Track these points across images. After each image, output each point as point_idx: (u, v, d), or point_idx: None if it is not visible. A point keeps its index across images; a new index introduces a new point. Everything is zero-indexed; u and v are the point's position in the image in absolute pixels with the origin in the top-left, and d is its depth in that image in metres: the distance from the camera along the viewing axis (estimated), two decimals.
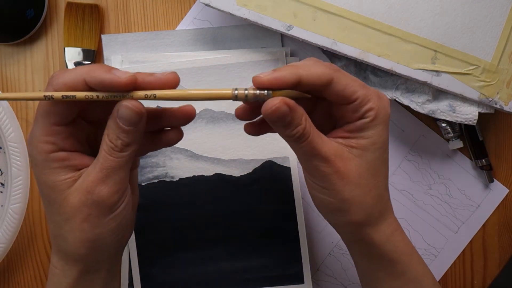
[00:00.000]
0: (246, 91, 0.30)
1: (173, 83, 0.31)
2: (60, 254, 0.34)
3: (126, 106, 0.30)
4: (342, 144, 0.33)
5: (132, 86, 0.30)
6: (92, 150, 0.35)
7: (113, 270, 0.37)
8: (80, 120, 0.33)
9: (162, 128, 0.36)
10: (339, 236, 0.50)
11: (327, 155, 0.32)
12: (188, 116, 0.35)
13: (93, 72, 0.30)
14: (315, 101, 0.36)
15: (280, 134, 0.32)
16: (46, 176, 0.32)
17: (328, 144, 0.32)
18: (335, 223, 0.36)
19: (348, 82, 0.32)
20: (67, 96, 0.30)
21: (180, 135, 0.36)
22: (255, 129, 0.37)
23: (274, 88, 0.31)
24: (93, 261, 0.34)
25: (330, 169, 0.32)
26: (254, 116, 0.36)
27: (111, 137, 0.31)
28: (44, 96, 0.30)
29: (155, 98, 0.30)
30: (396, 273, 0.35)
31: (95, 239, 0.33)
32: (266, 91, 0.30)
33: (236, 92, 0.30)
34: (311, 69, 0.31)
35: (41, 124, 0.31)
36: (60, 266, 0.34)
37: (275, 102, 0.30)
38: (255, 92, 0.30)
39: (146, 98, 0.30)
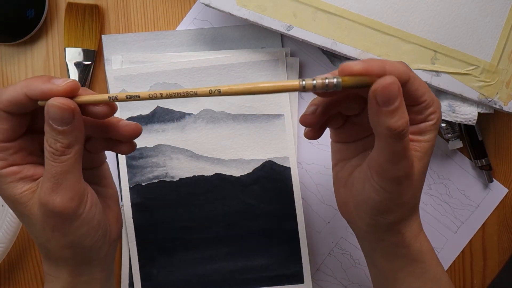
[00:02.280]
0: (314, 81, 0.29)
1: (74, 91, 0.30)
2: (49, 261, 0.34)
3: (52, 105, 0.29)
4: None
5: (73, 92, 0.30)
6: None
7: (108, 269, 0.36)
8: (30, 133, 0.33)
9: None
10: (339, 236, 0.50)
11: (412, 159, 0.31)
12: (133, 135, 0.34)
13: (31, 85, 0.30)
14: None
15: (381, 127, 0.29)
16: (4, 191, 0.32)
17: (410, 147, 0.32)
18: (373, 224, 0.34)
19: (420, 84, 0.32)
20: (131, 96, 0.30)
21: (131, 148, 0.35)
22: (317, 133, 0.37)
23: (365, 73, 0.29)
24: (80, 262, 0.34)
25: (407, 173, 0.31)
26: (320, 121, 0.36)
27: (50, 141, 0.30)
28: (109, 97, 0.30)
29: (219, 93, 0.30)
30: (417, 273, 0.35)
31: (71, 245, 0.32)
32: (335, 79, 0.29)
33: (304, 82, 0.29)
34: (394, 65, 0.30)
35: None
36: (52, 272, 0.34)
37: (389, 79, 0.28)
38: (323, 81, 0.29)
39: (211, 94, 0.30)
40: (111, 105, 0.32)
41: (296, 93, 0.48)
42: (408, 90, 0.31)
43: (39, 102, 0.30)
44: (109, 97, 0.30)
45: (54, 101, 0.29)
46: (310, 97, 0.49)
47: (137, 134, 0.34)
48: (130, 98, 0.30)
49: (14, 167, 0.31)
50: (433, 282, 0.36)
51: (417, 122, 0.33)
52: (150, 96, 0.30)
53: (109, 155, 0.44)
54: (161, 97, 0.30)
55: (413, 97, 0.32)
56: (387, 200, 0.32)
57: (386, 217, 0.33)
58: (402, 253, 0.35)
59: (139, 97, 0.30)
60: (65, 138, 0.30)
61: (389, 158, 0.31)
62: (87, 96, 0.31)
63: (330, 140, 0.39)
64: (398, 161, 0.31)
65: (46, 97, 0.30)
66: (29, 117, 0.32)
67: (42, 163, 0.33)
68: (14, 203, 0.32)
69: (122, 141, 0.35)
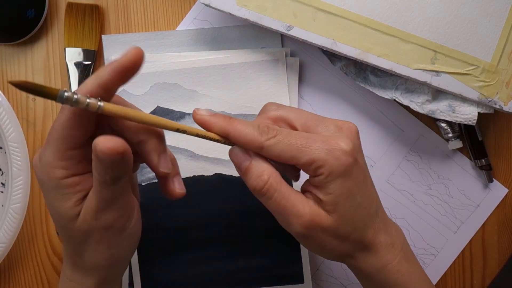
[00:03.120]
0: (76, 96, 0.27)
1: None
2: (76, 268, 0.34)
3: (101, 151, 0.27)
4: (313, 199, 0.33)
5: (140, 58, 0.29)
6: None
7: (121, 280, 0.38)
8: (91, 140, 0.31)
9: None
10: None
11: (301, 214, 0.32)
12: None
13: (101, 72, 0.29)
14: None
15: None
16: (57, 202, 0.31)
17: (301, 203, 0.32)
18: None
19: (283, 148, 0.31)
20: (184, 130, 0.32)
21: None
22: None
23: (204, 128, 0.32)
24: (110, 273, 0.35)
25: (306, 228, 0.32)
26: None
27: (99, 171, 0.29)
28: (177, 129, 0.32)
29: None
30: None
31: (111, 257, 0.33)
32: (99, 102, 0.28)
33: (66, 94, 0.27)
34: (242, 131, 0.32)
35: (55, 148, 0.29)
36: (76, 279, 0.34)
37: (236, 151, 0.33)
38: (85, 99, 0.28)
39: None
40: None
41: (296, 93, 0.48)
42: (271, 156, 0.32)
43: (59, 92, 0.27)
44: (177, 129, 0.31)
45: (104, 147, 0.27)
46: (311, 97, 0.49)
47: (174, 196, 0.35)
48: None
49: (76, 177, 0.30)
50: None
51: (311, 176, 0.32)
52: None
53: None
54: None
55: (282, 160, 0.32)
56: (310, 247, 0.36)
57: (323, 255, 0.36)
58: (372, 282, 0.36)
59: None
60: (114, 172, 0.29)
61: (277, 218, 0.35)
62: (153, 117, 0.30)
63: None
64: (285, 218, 0.33)
65: (116, 74, 0.29)
66: (94, 125, 0.31)
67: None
68: (60, 216, 0.31)
69: None
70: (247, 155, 0.32)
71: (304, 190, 0.34)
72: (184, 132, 0.31)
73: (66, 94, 0.27)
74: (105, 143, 0.27)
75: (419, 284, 0.36)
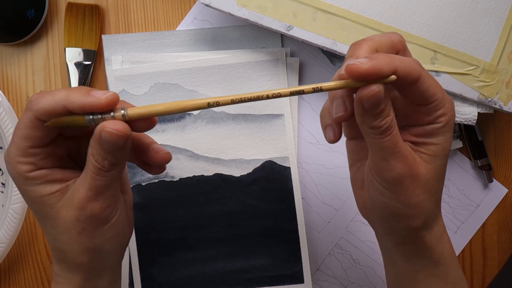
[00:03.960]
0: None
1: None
2: (62, 264, 0.34)
3: (109, 132, 0.29)
4: (411, 149, 0.32)
5: (112, 106, 0.29)
6: (75, 162, 0.34)
7: (115, 275, 0.37)
8: (58, 138, 0.32)
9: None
10: (339, 236, 0.50)
11: (406, 155, 0.31)
12: (162, 163, 0.34)
13: (71, 97, 0.29)
14: None
15: (365, 126, 0.30)
16: (32, 192, 0.31)
17: (405, 145, 0.31)
18: (390, 227, 0.34)
19: (431, 83, 0.30)
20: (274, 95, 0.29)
21: (160, 171, 0.35)
22: (339, 132, 0.34)
23: (370, 79, 0.28)
24: (95, 268, 0.34)
25: (406, 172, 0.31)
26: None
27: (97, 158, 0.30)
28: (208, 103, 0.29)
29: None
30: (438, 276, 0.35)
31: (94, 248, 0.33)
32: (122, 111, 0.29)
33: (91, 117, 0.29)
34: (405, 62, 0.29)
35: (19, 146, 0.30)
36: (63, 275, 0.34)
37: (374, 87, 0.28)
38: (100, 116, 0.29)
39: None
40: (152, 119, 0.32)
41: None
42: (418, 89, 0.30)
43: (86, 119, 0.29)
44: (208, 103, 0.29)
45: (112, 128, 0.29)
46: (311, 96, 0.49)
47: (166, 162, 0.34)
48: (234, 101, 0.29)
49: (43, 170, 0.31)
50: (453, 286, 0.35)
51: (424, 123, 0.32)
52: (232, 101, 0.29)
53: None
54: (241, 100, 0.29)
55: (423, 96, 0.31)
56: (394, 201, 0.32)
57: (401, 222, 0.33)
58: (423, 255, 0.34)
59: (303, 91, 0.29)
60: (114, 158, 0.30)
61: (380, 155, 0.31)
62: (152, 107, 0.30)
63: (345, 138, 0.37)
64: (389, 158, 0.30)
65: (86, 110, 0.29)
66: (59, 128, 0.32)
67: (69, 167, 0.33)
68: (40, 204, 0.32)
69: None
70: (384, 96, 0.29)
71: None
72: (217, 104, 0.30)
73: (92, 117, 0.29)
74: (113, 126, 0.29)
75: (456, 258, 0.36)
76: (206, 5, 0.43)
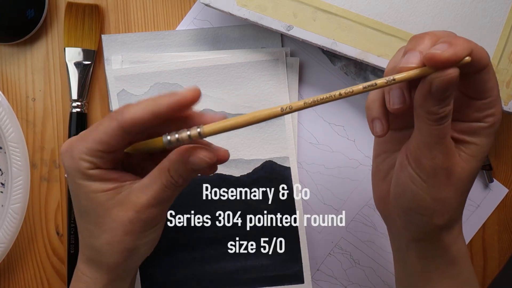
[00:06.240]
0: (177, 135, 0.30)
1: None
2: (91, 263, 0.35)
3: (201, 159, 0.31)
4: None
5: (197, 98, 0.30)
6: (125, 167, 0.35)
7: (134, 277, 0.39)
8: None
9: None
10: (339, 236, 0.50)
11: (450, 148, 0.30)
12: (222, 160, 0.34)
13: (158, 101, 0.30)
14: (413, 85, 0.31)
15: (422, 109, 0.29)
16: (86, 187, 0.32)
17: (451, 139, 0.31)
18: (411, 220, 0.33)
19: (491, 77, 0.30)
20: (368, 86, 0.28)
21: (214, 171, 0.36)
22: (387, 124, 0.33)
23: (451, 65, 0.27)
24: (125, 269, 0.35)
25: (444, 164, 0.30)
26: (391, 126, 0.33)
27: (174, 174, 0.32)
28: (281, 109, 0.29)
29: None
30: (452, 276, 0.34)
31: (133, 249, 0.34)
32: (198, 129, 0.29)
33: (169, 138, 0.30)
34: (478, 49, 0.29)
35: (90, 146, 0.32)
36: (90, 274, 0.35)
37: (451, 71, 0.27)
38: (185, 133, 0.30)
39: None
40: (215, 166, 0.34)
41: (296, 92, 0.48)
42: (481, 79, 0.29)
43: (163, 140, 0.30)
44: (281, 108, 0.29)
45: (206, 156, 0.31)
46: (311, 96, 0.49)
47: (226, 160, 0.34)
48: (367, 88, 0.28)
49: (102, 170, 0.33)
50: (466, 286, 0.35)
51: (472, 119, 0.31)
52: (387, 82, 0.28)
53: None
54: (376, 86, 0.28)
55: (481, 89, 0.30)
56: (424, 192, 0.31)
57: (425, 216, 0.32)
58: (439, 254, 0.34)
59: (376, 85, 0.28)
60: (189, 177, 0.33)
61: (425, 141, 0.30)
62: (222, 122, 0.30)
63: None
64: (434, 146, 0.30)
65: (174, 109, 0.30)
66: (133, 138, 0.33)
67: (126, 170, 0.35)
68: (91, 200, 0.33)
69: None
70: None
71: None
72: (290, 109, 0.29)
73: (169, 138, 0.30)
74: (207, 154, 0.31)
75: (469, 258, 0.36)
76: (206, 5, 0.43)
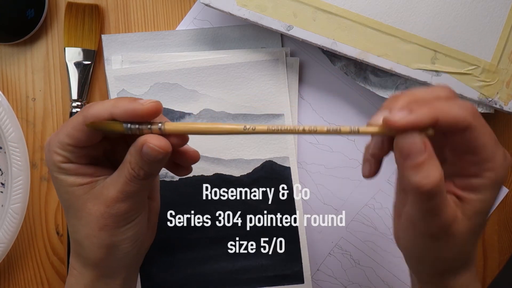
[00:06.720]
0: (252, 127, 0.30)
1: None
2: (79, 257, 0.35)
3: (151, 147, 0.30)
4: (453, 200, 0.30)
5: (156, 113, 0.31)
6: (109, 160, 0.36)
7: (129, 279, 0.38)
8: (101, 143, 0.34)
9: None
10: (339, 236, 0.50)
11: (447, 215, 0.29)
12: (193, 161, 0.35)
13: (117, 104, 0.31)
14: None
15: (406, 181, 0.28)
16: (62, 181, 0.33)
17: (448, 200, 0.29)
18: (414, 265, 0.34)
19: (481, 134, 0.28)
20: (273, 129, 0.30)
21: (188, 172, 0.37)
22: (376, 168, 0.33)
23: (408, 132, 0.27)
24: (108, 266, 0.35)
25: (442, 231, 0.29)
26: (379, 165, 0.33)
27: (134, 166, 0.31)
28: (244, 127, 0.30)
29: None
30: None
31: (111, 246, 0.34)
32: (160, 125, 0.31)
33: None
34: (451, 112, 0.27)
35: (60, 140, 0.32)
36: (77, 268, 0.36)
37: (409, 139, 0.27)
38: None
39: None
40: (185, 137, 0.33)
41: (296, 92, 0.48)
42: (465, 139, 0.28)
43: (124, 126, 0.31)
44: (244, 126, 0.30)
45: (153, 143, 0.30)
46: (311, 97, 0.49)
47: (195, 161, 0.35)
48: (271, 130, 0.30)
49: (75, 164, 0.33)
50: None
51: (471, 175, 0.29)
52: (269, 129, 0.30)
53: None
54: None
55: (469, 146, 0.28)
56: (424, 253, 0.31)
57: (425, 268, 0.32)
58: None
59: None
60: (150, 169, 0.32)
61: (420, 216, 0.29)
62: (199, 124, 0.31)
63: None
64: (430, 219, 0.29)
65: (129, 116, 0.30)
66: (104, 134, 0.33)
67: (102, 164, 0.35)
68: (68, 194, 0.33)
69: (180, 165, 0.36)
70: (424, 146, 0.27)
71: None
72: (253, 129, 0.30)
73: (130, 126, 0.31)
74: (156, 142, 0.30)
75: None
76: (206, 5, 0.43)
